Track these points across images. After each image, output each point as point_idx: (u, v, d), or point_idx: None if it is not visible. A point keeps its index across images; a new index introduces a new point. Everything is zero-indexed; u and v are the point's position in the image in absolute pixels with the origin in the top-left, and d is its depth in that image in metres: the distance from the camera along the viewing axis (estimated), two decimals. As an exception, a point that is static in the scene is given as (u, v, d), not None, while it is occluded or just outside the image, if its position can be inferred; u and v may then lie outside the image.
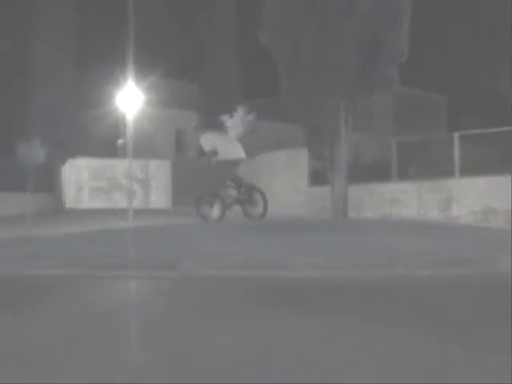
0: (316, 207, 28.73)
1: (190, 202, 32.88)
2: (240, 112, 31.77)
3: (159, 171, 37.12)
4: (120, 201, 34.46)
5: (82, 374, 4.91)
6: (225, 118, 31.83)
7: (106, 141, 38.55)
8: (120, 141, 37.02)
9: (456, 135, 25.12)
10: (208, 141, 19.93)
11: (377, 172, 27.35)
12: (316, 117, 24.36)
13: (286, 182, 31.73)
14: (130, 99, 32.11)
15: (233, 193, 20.05)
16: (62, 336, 6.26)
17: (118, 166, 36.18)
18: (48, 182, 37.03)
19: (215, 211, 19.38)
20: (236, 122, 31.52)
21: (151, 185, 36.78)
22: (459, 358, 5.03)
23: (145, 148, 35.59)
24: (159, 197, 36.69)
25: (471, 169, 24.26)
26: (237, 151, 20.18)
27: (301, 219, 24.66)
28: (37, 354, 5.55)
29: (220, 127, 31.80)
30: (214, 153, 19.77)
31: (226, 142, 20.13)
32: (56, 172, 37.60)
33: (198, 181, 36.38)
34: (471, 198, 23.81)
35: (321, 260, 11.48)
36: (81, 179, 37.27)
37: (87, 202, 36.04)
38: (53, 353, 5.62)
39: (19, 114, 37.82)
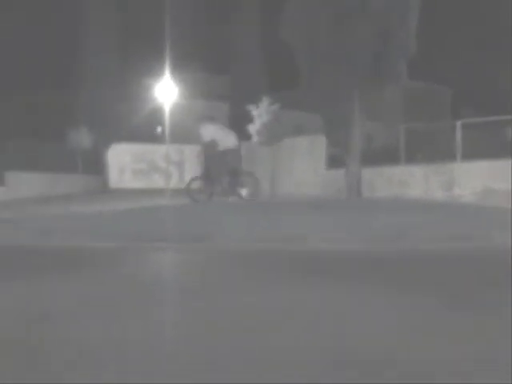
0: (332, 188, 28.70)
1: (219, 183, 33.03)
2: (265, 102, 31.82)
3: (192, 155, 37.09)
4: (158, 181, 34.49)
5: (131, 326, 4.87)
6: (251, 107, 31.91)
7: (145, 128, 38.61)
8: (158, 128, 37.06)
9: (458, 123, 25.01)
10: (207, 130, 19.87)
11: (387, 156, 27.28)
12: (333, 107, 24.34)
13: (305, 165, 31.68)
14: (166, 92, 32.13)
15: (224, 177, 19.99)
16: (114, 295, 6.28)
17: (157, 151, 36.15)
18: (95, 164, 37.27)
19: (205, 193, 19.33)
20: (261, 111, 31.59)
21: (186, 167, 36.75)
22: (465, 319, 5.04)
23: (180, 135, 35.54)
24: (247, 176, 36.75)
25: (472, 153, 24.17)
26: (232, 140, 20.12)
27: (319, 198, 24.62)
28: (88, 310, 5.52)
29: (246, 116, 31.87)
30: (213, 141, 19.71)
31: (222, 132, 20.08)
32: (102, 156, 37.78)
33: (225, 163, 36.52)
34: (472, 180, 23.70)
35: (337, 234, 11.46)
36: (123, 162, 37.28)
37: (129, 182, 36.06)
38: (105, 309, 5.58)
39: (70, 106, 38.02)
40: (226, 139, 19.94)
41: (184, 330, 4.92)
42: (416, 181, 26.00)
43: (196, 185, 20.03)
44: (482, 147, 24.38)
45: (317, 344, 4.30)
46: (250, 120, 31.82)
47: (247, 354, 4.10)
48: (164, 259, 10.17)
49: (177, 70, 32.53)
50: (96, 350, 4.15)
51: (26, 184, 35.18)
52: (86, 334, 4.59)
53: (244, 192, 19.98)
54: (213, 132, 19.88)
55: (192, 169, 37.06)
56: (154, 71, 33.76)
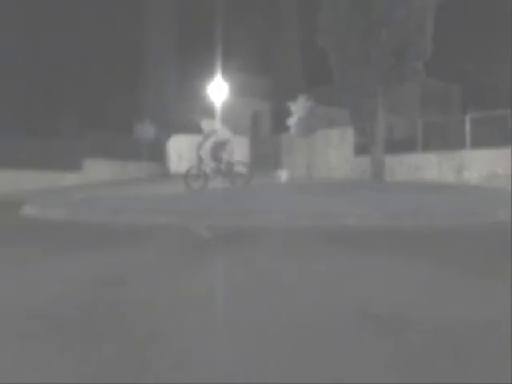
0: (359, 173, 28.77)
1: (264, 168, 33.11)
2: (302, 99, 31.81)
3: (240, 145, 37.22)
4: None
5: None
6: (290, 103, 31.93)
7: (199, 121, 38.78)
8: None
9: (467, 117, 24.89)
10: (207, 125, 19.88)
11: (406, 145, 27.19)
12: (360, 102, 24.40)
13: (336, 153, 31.71)
14: (218, 90, 32.26)
15: (215, 167, 19.86)
16: (172, 261, 6.29)
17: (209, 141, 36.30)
18: (157, 152, 37.61)
19: (200, 181, 19.22)
20: (298, 107, 31.58)
21: (234, 156, 36.91)
22: (472, 282, 5.11)
23: (229, 127, 35.69)
24: (240, 165, 36.84)
25: (479, 143, 24.04)
26: (227, 134, 20.12)
27: (348, 181, 24.63)
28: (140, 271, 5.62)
29: (286, 111, 31.89)
30: (213, 133, 19.70)
31: (219, 126, 20.08)
32: (163, 145, 38.10)
33: (269, 152, 36.61)
34: (479, 165, 23.59)
35: (362, 212, 11.52)
36: (181, 151, 37.58)
37: (185, 168, 36.30)
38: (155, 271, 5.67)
39: (136, 102, 38.27)
40: (223, 132, 19.97)
41: (235, 289, 5.00)
42: (431, 166, 25.92)
43: (193, 173, 19.85)
44: (488, 137, 24.19)
45: (347, 301, 4.40)
46: (289, 114, 31.82)
47: (295, 303, 4.21)
48: (215, 233, 10.18)
49: (226, 70, 32.60)
50: (159, 309, 4.22)
51: (99, 169, 35.54)
52: (153, 295, 4.66)
53: (237, 180, 19.86)
54: (210, 125, 19.93)
55: (239, 157, 37.30)
56: (207, 72, 33.85)
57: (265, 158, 35.84)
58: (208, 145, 19.57)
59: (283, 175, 28.28)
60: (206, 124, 19.86)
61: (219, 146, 19.65)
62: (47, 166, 31.69)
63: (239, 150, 36.91)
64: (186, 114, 37.85)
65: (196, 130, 37.19)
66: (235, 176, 19.93)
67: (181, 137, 37.58)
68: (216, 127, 19.85)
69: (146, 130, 36.58)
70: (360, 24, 23.24)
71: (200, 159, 19.73)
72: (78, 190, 24.32)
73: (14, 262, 6.51)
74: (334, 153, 31.80)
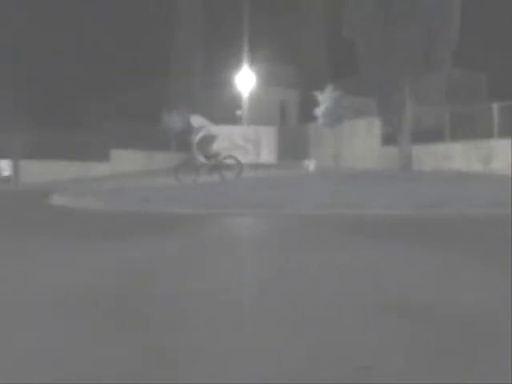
0: (386, 163, 28.63)
1: (291, 158, 33.11)
2: (329, 89, 31.75)
3: (267, 134, 37.20)
4: (239, 157, 34.75)
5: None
6: (317, 93, 31.87)
7: (227, 111, 38.85)
8: (238, 111, 37.25)
9: (495, 106, 24.64)
10: (197, 120, 19.87)
11: (433, 135, 27.02)
12: (387, 92, 24.29)
13: (363, 143, 31.59)
14: (244, 80, 32.28)
15: (205, 161, 19.87)
16: (201, 251, 6.28)
17: (237, 131, 36.42)
18: (184, 143, 37.73)
19: (190, 175, 19.23)
20: (325, 97, 31.53)
21: (261, 145, 36.90)
22: (498, 272, 5.07)
23: (257, 117, 35.74)
24: (267, 154, 36.84)
25: (507, 132, 23.80)
26: (214, 129, 20.17)
27: (375, 171, 24.59)
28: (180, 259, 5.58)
29: (313, 101, 31.82)
30: (202, 128, 19.68)
31: (208, 122, 20.08)
32: (190, 135, 38.24)
33: (296, 142, 36.58)
34: (507, 155, 23.37)
35: (390, 201, 11.49)
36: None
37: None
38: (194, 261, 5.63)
39: (163, 92, 38.47)
40: (211, 127, 20.01)
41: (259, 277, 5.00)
42: (458, 156, 25.73)
43: (183, 167, 19.91)
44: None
45: (374, 290, 4.40)
46: (316, 104, 31.78)
47: (321, 293, 4.20)
48: (244, 223, 10.24)
49: (254, 60, 32.64)
50: (187, 300, 4.22)
51: (127, 160, 35.79)
52: (181, 286, 4.65)
53: (228, 174, 19.84)
54: (200, 121, 19.93)
55: (267, 146, 37.32)
56: (234, 62, 33.91)
57: (292, 147, 35.82)
58: (197, 139, 19.62)
59: (310, 165, 28.29)
60: (194, 119, 19.87)
61: (209, 140, 19.71)
62: (76, 157, 32.00)
63: (266, 140, 36.94)
64: (214, 103, 37.94)
65: (226, 120, 37.39)
66: (226, 169, 19.95)
67: (211, 127, 37.75)
68: (205, 122, 19.86)
69: (174, 120, 36.79)
70: (386, 14, 23.13)
71: (191, 153, 19.86)
72: (107, 180, 24.50)
73: (42, 251, 6.55)
74: (361, 143, 31.69)
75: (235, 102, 36.76)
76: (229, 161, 20.42)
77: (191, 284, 4.69)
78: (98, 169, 33.59)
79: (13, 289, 4.61)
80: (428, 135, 27.24)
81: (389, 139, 28.40)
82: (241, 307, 3.97)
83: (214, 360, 2.88)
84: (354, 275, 5.03)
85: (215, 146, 20.28)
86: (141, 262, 5.79)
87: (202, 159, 19.72)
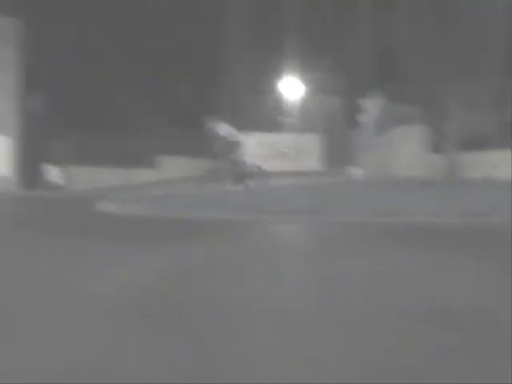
0: (432, 170, 28.42)
1: (336, 165, 33.08)
2: (373, 96, 31.70)
3: (312, 142, 37.29)
4: (281, 165, 34.86)
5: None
6: (362, 100, 31.85)
7: (271, 118, 38.95)
8: (282, 118, 37.37)
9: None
10: (223, 128, 19.89)
11: (481, 143, 26.76)
12: (432, 99, 24.21)
13: (409, 150, 31.39)
14: (290, 87, 32.40)
15: (229, 168, 19.92)
16: (248, 258, 6.33)
17: (281, 138, 36.55)
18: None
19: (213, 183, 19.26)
20: (370, 104, 31.48)
21: (306, 152, 36.98)
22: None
23: (301, 124, 35.78)
24: (312, 161, 36.88)
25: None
26: (239, 136, 20.20)
27: (420, 179, 24.45)
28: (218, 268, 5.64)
29: (357, 108, 31.79)
30: (224, 137, 19.70)
31: (233, 130, 20.10)
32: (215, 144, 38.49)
33: (341, 149, 36.51)
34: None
35: (436, 209, 11.46)
36: (253, 148, 37.86)
37: (258, 165, 36.62)
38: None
39: (211, 99, 38.74)
40: (235, 135, 20.04)
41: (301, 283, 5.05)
42: (507, 164, 25.44)
43: (208, 174, 20.00)
44: None
45: (419, 298, 4.36)
46: (361, 112, 31.76)
47: (364, 301, 4.18)
48: (288, 230, 10.28)
49: (299, 67, 32.73)
50: (229, 306, 4.22)
51: (175, 166, 36.11)
52: (224, 292, 4.68)
53: (249, 182, 19.82)
54: (227, 129, 19.98)
55: (313, 153, 37.35)
56: (279, 68, 34.04)
57: (337, 155, 35.77)
58: (223, 147, 19.75)
59: (355, 173, 28.26)
60: (221, 127, 19.95)
61: (233, 149, 19.79)
62: (123, 163, 32.36)
63: (311, 148, 36.98)
64: (260, 110, 38.09)
65: (270, 127, 37.50)
66: (248, 177, 19.98)
67: (253, 134, 37.89)
68: (229, 129, 19.94)
69: (219, 126, 37.01)
70: (433, 19, 23.02)
71: (215, 161, 20.00)
72: (153, 187, 24.74)
73: (89, 257, 6.69)
74: (407, 150, 31.48)
75: (280, 108, 36.86)
76: (252, 169, 20.51)
77: (233, 290, 4.73)
78: (145, 175, 33.96)
79: (79, 291, 4.69)
80: (475, 143, 26.98)
81: (435, 147, 28.19)
82: (288, 314, 3.95)
83: (256, 366, 2.89)
84: (398, 283, 5.03)
85: (241, 154, 20.35)
86: (185, 268, 5.85)
87: (227, 168, 19.86)
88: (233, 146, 19.79)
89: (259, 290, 4.75)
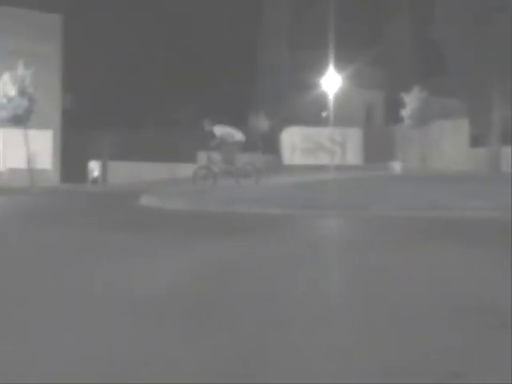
0: (475, 164, 28.26)
1: (377, 160, 32.99)
2: (415, 90, 31.56)
3: (353, 136, 37.22)
4: (323, 159, 34.81)
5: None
6: (403, 94, 31.74)
7: (312, 112, 38.88)
8: (323, 112, 37.30)
9: None
10: (220, 130, 19.73)
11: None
12: (475, 92, 24.07)
13: (451, 144, 31.25)
14: (331, 81, 32.37)
15: (223, 166, 19.84)
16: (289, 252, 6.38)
17: (322, 133, 36.44)
18: (271, 145, 38.09)
19: (209, 181, 19.11)
20: (412, 97, 31.35)
21: (347, 147, 36.93)
22: None
23: (342, 119, 35.70)
24: (353, 156, 36.81)
25: None
26: (239, 136, 20.04)
27: (463, 173, 24.26)
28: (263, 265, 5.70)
29: (399, 102, 31.67)
30: (224, 137, 19.58)
31: (231, 130, 19.95)
32: (276, 137, 38.58)
33: (382, 143, 36.39)
34: None
35: (479, 203, 11.29)
36: (294, 143, 37.88)
37: (299, 160, 36.60)
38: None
39: (249, 94, 38.90)
40: (233, 135, 19.93)
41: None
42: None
43: (202, 172, 19.90)
44: None
45: (464, 294, 4.45)
46: (403, 106, 31.65)
47: (410, 296, 4.34)
48: (330, 224, 10.36)
49: (339, 61, 32.65)
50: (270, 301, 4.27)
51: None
52: (267, 287, 4.72)
53: (245, 181, 19.72)
54: (222, 130, 19.89)
55: (353, 148, 37.30)
56: (320, 63, 33.96)
57: (378, 149, 35.63)
58: (219, 146, 19.75)
59: (397, 167, 28.18)
60: (218, 129, 19.90)
61: (230, 148, 19.77)
62: (164, 158, 32.59)
63: (352, 142, 36.95)
64: (299, 105, 38.10)
65: (312, 122, 37.48)
66: (244, 176, 19.99)
67: (294, 128, 37.86)
68: (227, 130, 19.92)
69: (260, 123, 37.15)
70: (478, 12, 22.88)
71: (210, 160, 19.99)
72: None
73: (132, 251, 6.79)
74: (449, 144, 31.34)
75: (321, 103, 36.79)
76: (247, 168, 20.61)
77: (283, 284, 4.80)
78: (186, 170, 34.11)
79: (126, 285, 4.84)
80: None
81: (478, 140, 28.04)
82: (336, 308, 4.06)
83: (308, 359, 2.93)
84: (442, 279, 5.05)
85: (236, 153, 20.34)
86: (232, 262, 5.94)
87: (222, 166, 19.92)
88: (228, 145, 19.73)
89: (311, 285, 4.79)
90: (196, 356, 2.96)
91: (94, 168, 30.76)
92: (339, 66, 32.76)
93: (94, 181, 30.31)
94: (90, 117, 31.95)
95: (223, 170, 19.99)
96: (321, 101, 36.01)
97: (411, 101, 31.17)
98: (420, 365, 2.84)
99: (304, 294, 4.44)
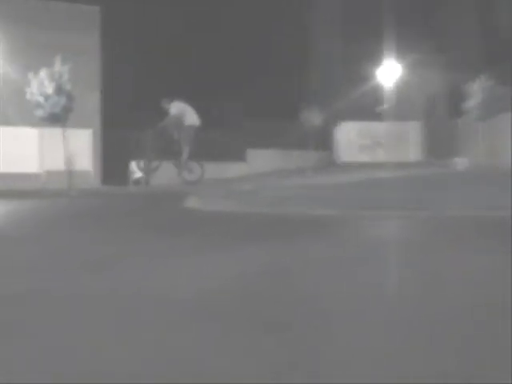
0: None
1: (439, 155, 32.31)
2: (482, 79, 30.78)
3: (413, 130, 36.72)
4: (381, 155, 34.43)
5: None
6: (468, 84, 30.99)
7: (368, 106, 38.57)
8: (380, 107, 36.89)
9: None
10: (177, 108, 18.60)
11: None
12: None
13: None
14: (388, 72, 31.86)
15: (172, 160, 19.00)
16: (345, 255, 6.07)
17: (379, 127, 36.16)
18: (324, 141, 37.80)
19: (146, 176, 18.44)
20: (477, 87, 30.58)
21: (406, 141, 36.46)
22: None
23: (401, 112, 35.20)
24: (413, 151, 36.31)
25: None
26: (195, 119, 19.02)
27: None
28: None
29: (463, 92, 30.91)
30: (180, 117, 18.64)
31: (190, 111, 18.90)
32: (330, 133, 38.25)
33: (445, 137, 35.64)
34: None
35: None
36: (350, 138, 37.59)
37: (355, 157, 36.31)
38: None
39: (301, 87, 38.65)
40: (191, 117, 18.96)
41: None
42: None
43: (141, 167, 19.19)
44: None
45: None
46: (467, 96, 30.91)
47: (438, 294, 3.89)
48: (385, 225, 10.09)
49: (397, 51, 32.19)
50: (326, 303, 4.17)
51: (264, 160, 36.10)
52: (320, 290, 4.64)
53: (190, 177, 19.02)
54: (181, 109, 18.85)
55: (412, 142, 36.70)
56: (375, 54, 33.58)
57: (440, 144, 34.97)
58: (186, 128, 18.92)
59: (460, 163, 27.48)
60: (175, 106, 18.89)
61: (183, 132, 18.96)
62: (212, 157, 32.47)
63: (411, 136, 36.34)
64: (355, 97, 37.71)
65: (368, 116, 37.13)
66: (188, 171, 19.33)
67: (349, 123, 37.54)
68: (187, 108, 18.96)
69: (313, 117, 36.79)
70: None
71: (183, 143, 19.18)
72: (243, 181, 24.79)
73: (176, 254, 6.70)
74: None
75: (377, 96, 36.40)
76: (191, 164, 19.79)
77: (334, 286, 4.74)
78: (235, 169, 34.07)
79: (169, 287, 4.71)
80: None
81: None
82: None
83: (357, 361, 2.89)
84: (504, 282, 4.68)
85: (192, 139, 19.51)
86: (282, 265, 5.82)
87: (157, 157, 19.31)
88: (182, 128, 18.91)
89: (362, 289, 4.68)
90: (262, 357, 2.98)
91: (136, 169, 30.69)
92: (398, 56, 32.41)
93: (136, 182, 30.21)
94: (131, 115, 31.92)
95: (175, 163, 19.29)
96: (377, 93, 35.64)
97: (477, 91, 30.42)
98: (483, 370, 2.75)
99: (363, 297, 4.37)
